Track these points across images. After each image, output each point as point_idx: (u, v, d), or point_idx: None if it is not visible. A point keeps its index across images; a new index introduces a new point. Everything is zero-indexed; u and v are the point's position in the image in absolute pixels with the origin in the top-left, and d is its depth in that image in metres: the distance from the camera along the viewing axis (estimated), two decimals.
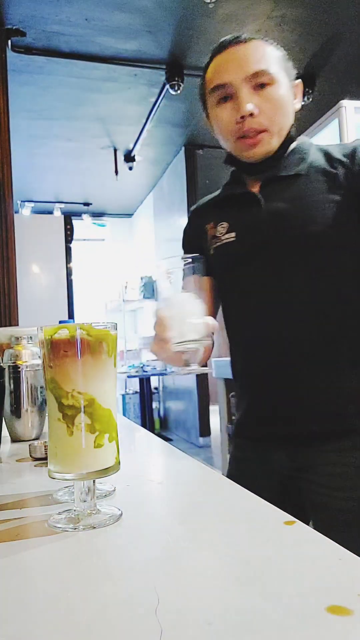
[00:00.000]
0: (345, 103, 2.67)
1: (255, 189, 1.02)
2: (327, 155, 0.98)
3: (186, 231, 1.19)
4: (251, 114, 0.94)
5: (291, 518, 0.49)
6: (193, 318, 0.81)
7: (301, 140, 1.05)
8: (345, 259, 0.94)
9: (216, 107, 1.00)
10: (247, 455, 1.05)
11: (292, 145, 1.03)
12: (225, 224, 1.05)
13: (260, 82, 0.95)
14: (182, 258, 0.82)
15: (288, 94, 0.99)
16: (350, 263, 0.95)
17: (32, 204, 6.23)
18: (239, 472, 1.05)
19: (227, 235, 1.04)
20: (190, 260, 0.82)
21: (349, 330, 0.94)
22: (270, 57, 0.97)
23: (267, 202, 0.99)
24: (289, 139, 1.02)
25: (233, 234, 1.03)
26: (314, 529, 0.47)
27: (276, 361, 0.97)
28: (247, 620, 0.32)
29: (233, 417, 1.13)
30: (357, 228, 0.94)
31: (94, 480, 0.54)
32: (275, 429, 0.98)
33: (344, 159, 0.95)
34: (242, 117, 0.95)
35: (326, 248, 0.94)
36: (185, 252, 1.16)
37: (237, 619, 0.32)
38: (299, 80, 1.03)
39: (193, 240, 1.15)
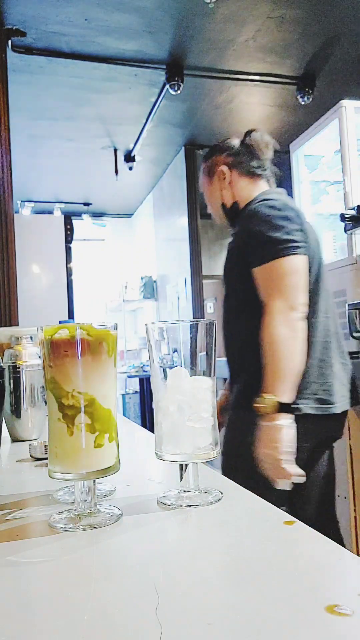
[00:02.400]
0: (345, 103, 2.67)
1: None
2: (250, 221, 1.35)
3: None
4: None
5: (291, 518, 0.49)
6: (194, 418, 0.55)
7: (253, 203, 1.40)
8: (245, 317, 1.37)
9: None
10: None
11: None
12: None
13: None
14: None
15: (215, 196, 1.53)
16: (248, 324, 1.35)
17: (32, 204, 6.22)
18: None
19: None
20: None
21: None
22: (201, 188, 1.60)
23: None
24: (230, 210, 1.49)
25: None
26: None
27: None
28: (247, 620, 0.32)
29: None
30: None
31: (94, 480, 0.54)
32: None
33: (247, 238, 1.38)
34: None
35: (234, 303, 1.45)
36: None
37: (237, 619, 0.32)
38: (223, 166, 1.48)
39: None
